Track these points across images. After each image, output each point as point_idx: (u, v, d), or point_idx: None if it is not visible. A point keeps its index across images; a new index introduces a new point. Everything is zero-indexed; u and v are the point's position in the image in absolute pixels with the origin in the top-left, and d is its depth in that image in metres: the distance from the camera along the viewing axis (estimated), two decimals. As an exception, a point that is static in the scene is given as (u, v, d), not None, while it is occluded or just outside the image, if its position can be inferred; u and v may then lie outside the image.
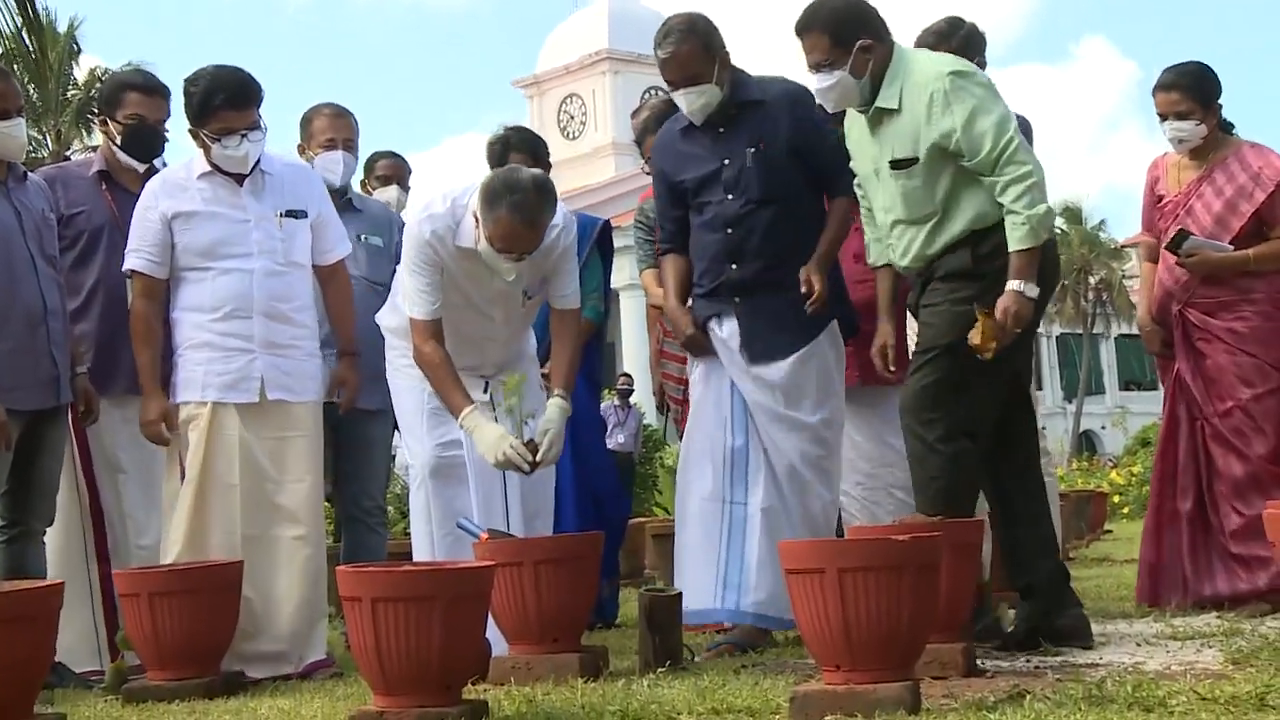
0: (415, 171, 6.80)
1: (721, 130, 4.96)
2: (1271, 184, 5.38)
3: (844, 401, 5.15)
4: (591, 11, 51.67)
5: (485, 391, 4.88)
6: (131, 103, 5.24)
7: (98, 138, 5.44)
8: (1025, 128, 4.96)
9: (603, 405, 13.49)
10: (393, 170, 6.59)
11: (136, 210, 4.95)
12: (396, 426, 5.27)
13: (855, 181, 4.87)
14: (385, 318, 5.03)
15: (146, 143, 5.27)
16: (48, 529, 4.98)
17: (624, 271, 22.98)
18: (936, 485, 4.43)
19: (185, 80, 4.97)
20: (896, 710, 3.33)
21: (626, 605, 6.23)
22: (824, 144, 4.97)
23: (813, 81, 4.62)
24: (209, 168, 4.95)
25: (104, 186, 5.25)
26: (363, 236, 5.77)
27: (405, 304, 4.76)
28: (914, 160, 4.47)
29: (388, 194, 6.41)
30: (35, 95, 28.90)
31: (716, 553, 4.89)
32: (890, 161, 4.53)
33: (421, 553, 4.79)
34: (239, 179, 4.96)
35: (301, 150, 5.88)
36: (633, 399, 17.24)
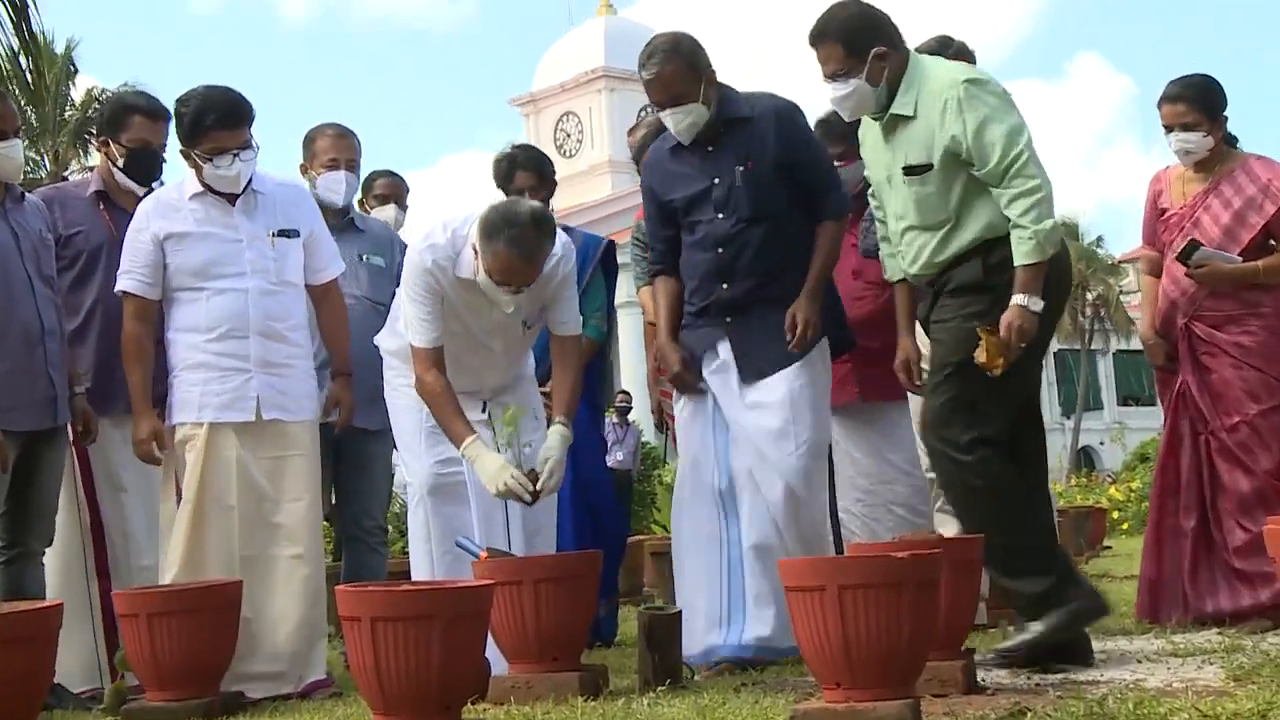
0: (412, 190, 6.81)
1: (710, 149, 4.95)
2: None
3: (830, 416, 5.13)
4: (587, 30, 51.77)
5: (483, 411, 4.89)
6: (136, 126, 5.24)
7: (95, 158, 5.43)
8: None
9: (601, 423, 13.43)
10: (391, 189, 6.60)
11: (129, 231, 4.96)
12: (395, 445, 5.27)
13: (870, 191, 4.87)
14: (384, 340, 5.03)
15: (148, 167, 5.28)
16: (49, 549, 4.98)
17: (621, 289, 22.90)
18: (976, 493, 4.42)
19: (176, 101, 4.98)
20: (897, 728, 3.32)
21: (625, 624, 6.22)
22: (813, 161, 4.97)
23: (828, 91, 4.60)
24: (201, 188, 4.95)
25: (101, 207, 5.26)
26: (364, 256, 5.78)
27: (407, 332, 4.76)
28: (928, 167, 4.46)
29: (386, 213, 6.42)
30: (33, 116, 28.94)
31: (719, 592, 4.87)
32: (904, 168, 4.52)
33: (421, 571, 4.79)
34: (231, 199, 4.96)
35: (304, 170, 5.89)
36: (631, 416, 17.25)
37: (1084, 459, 48.21)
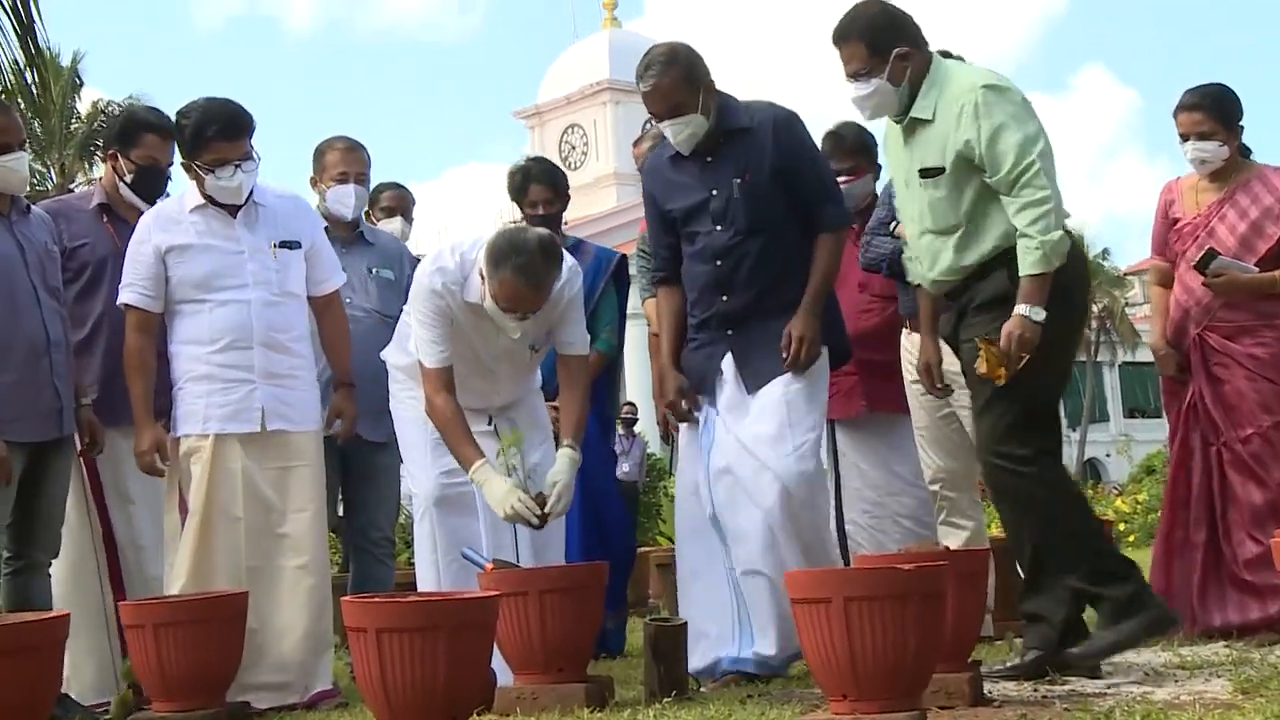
0: (417, 203, 6.82)
1: (709, 159, 4.92)
2: None
3: (824, 421, 5.05)
4: (592, 42, 51.83)
5: (489, 424, 4.90)
6: (148, 144, 5.25)
7: (101, 170, 5.42)
8: None
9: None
10: (397, 201, 6.61)
11: (130, 245, 4.97)
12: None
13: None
14: (392, 355, 5.04)
15: (155, 185, 5.29)
16: (61, 560, 4.99)
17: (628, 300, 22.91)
18: (1045, 505, 4.37)
19: (177, 113, 5.00)
20: (904, 740, 3.32)
21: (632, 634, 6.22)
22: (812, 170, 4.93)
23: (850, 90, 4.56)
24: (202, 200, 4.97)
25: (105, 219, 5.26)
26: (374, 270, 5.79)
27: (417, 353, 4.76)
28: (940, 170, 4.43)
29: (392, 225, 6.43)
30: (39, 129, 29.00)
31: (724, 612, 4.84)
32: (919, 170, 4.49)
33: (427, 582, 4.79)
34: (232, 211, 4.98)
35: (313, 183, 5.91)
36: (637, 428, 17.23)
37: (1090, 471, 48.16)
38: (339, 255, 5.56)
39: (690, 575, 4.98)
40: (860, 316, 5.64)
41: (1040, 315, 4.30)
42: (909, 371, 5.63)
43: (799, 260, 4.89)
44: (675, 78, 4.82)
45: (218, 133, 4.89)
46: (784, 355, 4.80)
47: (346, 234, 5.81)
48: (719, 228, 4.89)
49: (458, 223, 44.40)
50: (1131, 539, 16.57)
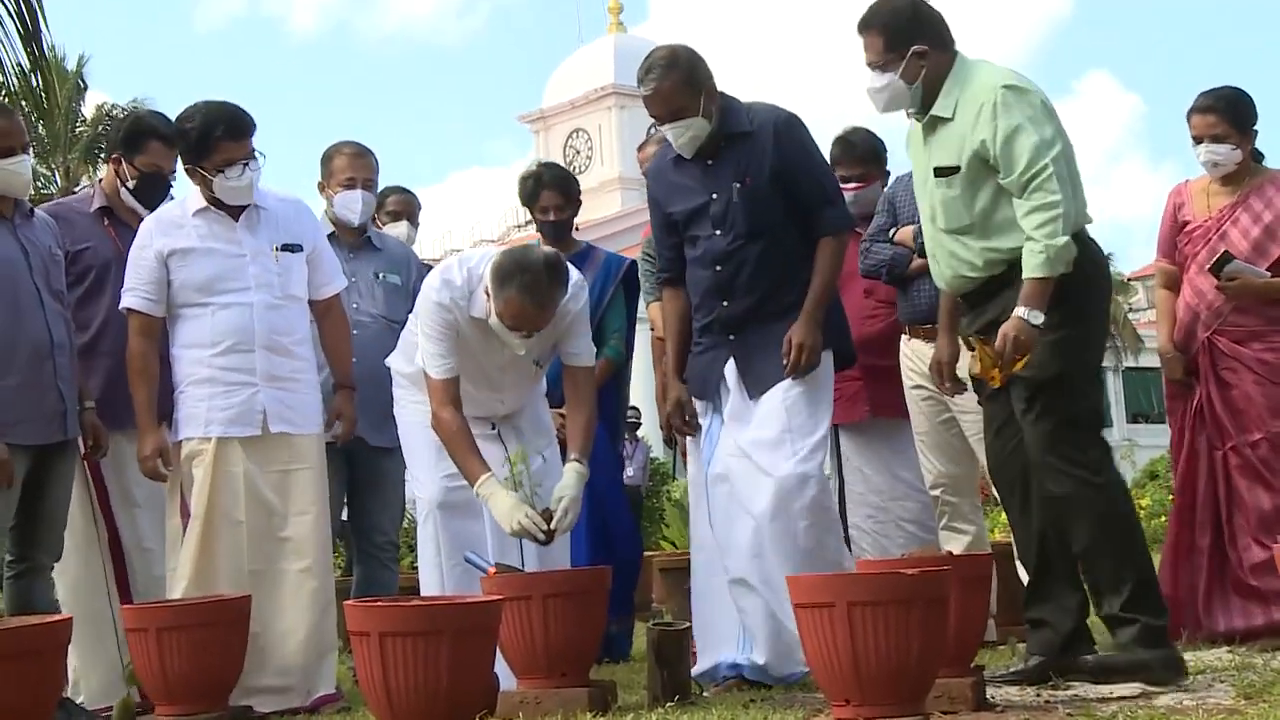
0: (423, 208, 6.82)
1: (710, 163, 4.90)
2: None
3: (829, 424, 4.98)
4: (597, 47, 51.82)
5: (493, 428, 4.90)
6: (154, 151, 5.26)
7: (104, 173, 5.42)
8: None
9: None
10: (403, 206, 6.61)
11: (132, 249, 4.98)
12: (404, 460, 5.27)
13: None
14: (396, 362, 5.04)
15: (157, 192, 5.30)
16: (68, 565, 5.00)
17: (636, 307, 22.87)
18: (1107, 520, 4.29)
19: (177, 119, 5.01)
20: (906, 745, 3.31)
21: (637, 639, 6.21)
22: (811, 173, 4.89)
23: (866, 80, 4.52)
24: (204, 204, 4.98)
25: (106, 223, 5.27)
26: (381, 275, 5.80)
27: (423, 364, 4.76)
28: (955, 169, 4.38)
29: (398, 229, 6.43)
30: (43, 132, 29.00)
31: (728, 616, 4.83)
32: (934, 168, 4.44)
33: (430, 586, 4.79)
34: (234, 214, 4.98)
35: (321, 188, 5.91)
36: (640, 432, 17.22)
37: (1093, 476, 47.99)
38: (346, 260, 5.57)
39: (702, 580, 4.98)
40: (865, 322, 5.64)
41: (1039, 319, 4.22)
42: (908, 377, 5.62)
43: (799, 264, 4.86)
44: (676, 81, 4.80)
45: (225, 133, 4.91)
46: (785, 362, 4.78)
47: (354, 239, 5.81)
48: (718, 232, 4.88)
49: (461, 226, 44.40)
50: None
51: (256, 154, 4.97)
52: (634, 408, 18.42)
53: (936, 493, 5.68)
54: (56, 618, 3.81)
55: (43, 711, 3.44)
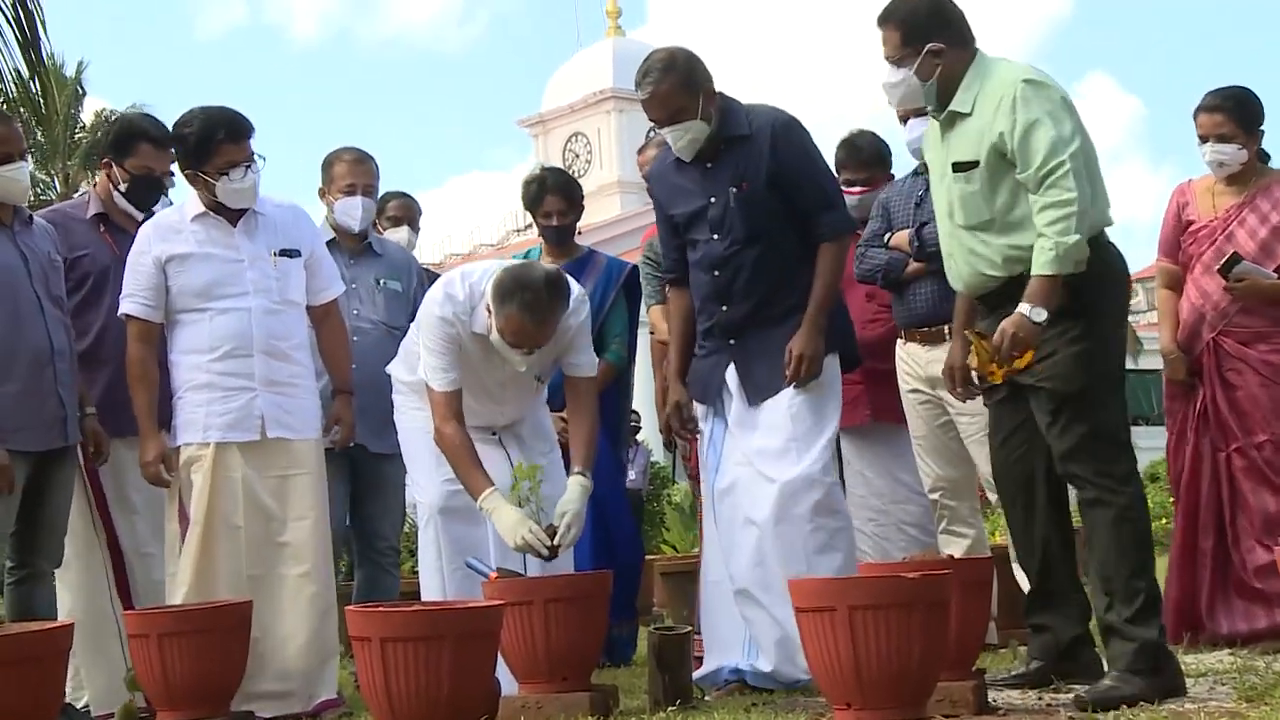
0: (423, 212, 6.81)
1: (709, 166, 4.88)
2: None
3: (836, 429, 4.95)
4: (596, 51, 51.82)
5: (494, 434, 4.90)
6: (143, 153, 5.25)
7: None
8: None
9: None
10: (403, 211, 6.61)
11: (130, 255, 4.98)
12: (405, 466, 5.27)
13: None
14: (397, 369, 5.04)
15: (149, 194, 5.29)
16: (70, 571, 5.01)
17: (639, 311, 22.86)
18: (1131, 528, 4.21)
19: (175, 124, 5.01)
20: (909, 749, 3.31)
21: (639, 643, 6.20)
22: (810, 176, 4.86)
23: (883, 74, 4.47)
24: (202, 209, 4.98)
25: (103, 229, 5.27)
26: (381, 281, 5.79)
27: (425, 377, 4.76)
28: (974, 164, 4.29)
29: (399, 234, 6.43)
30: (42, 138, 29.01)
31: (734, 621, 4.83)
32: (952, 164, 4.37)
33: (431, 591, 4.78)
34: (233, 219, 4.98)
35: (322, 194, 5.91)
36: (640, 436, 17.21)
37: (1093, 479, 48.03)
38: (347, 267, 5.57)
39: (711, 584, 4.97)
40: (867, 326, 5.64)
41: (1041, 317, 4.12)
42: (904, 381, 5.61)
43: (798, 269, 4.83)
44: (673, 84, 4.79)
45: (226, 136, 4.91)
46: (786, 372, 4.77)
47: (354, 245, 5.81)
48: (716, 236, 4.86)
49: (461, 231, 44.39)
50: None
51: (257, 156, 4.97)
52: (635, 412, 18.43)
53: (935, 496, 5.67)
54: (57, 624, 3.82)
55: (44, 717, 3.45)
